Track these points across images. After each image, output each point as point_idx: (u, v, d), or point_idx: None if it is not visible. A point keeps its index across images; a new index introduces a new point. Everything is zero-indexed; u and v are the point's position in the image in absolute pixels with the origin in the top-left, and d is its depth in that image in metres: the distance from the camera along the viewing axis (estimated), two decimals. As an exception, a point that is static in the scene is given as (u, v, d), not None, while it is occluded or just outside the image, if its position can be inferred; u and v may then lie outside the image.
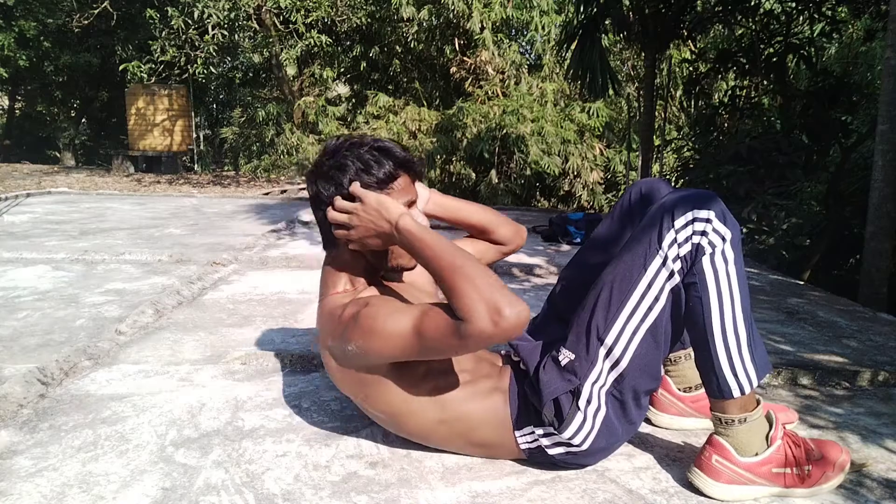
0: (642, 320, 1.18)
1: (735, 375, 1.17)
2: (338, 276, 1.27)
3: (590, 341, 1.19)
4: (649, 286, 1.17)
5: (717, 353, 1.17)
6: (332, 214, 1.19)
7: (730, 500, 1.17)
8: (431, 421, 1.23)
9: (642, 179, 1.45)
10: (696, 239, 1.15)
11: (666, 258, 1.16)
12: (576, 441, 1.18)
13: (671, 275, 1.17)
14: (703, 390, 1.31)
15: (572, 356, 1.19)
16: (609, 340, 1.18)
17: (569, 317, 1.26)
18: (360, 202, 1.17)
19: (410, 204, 1.24)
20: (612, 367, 1.18)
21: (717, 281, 1.16)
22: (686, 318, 1.20)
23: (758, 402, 1.21)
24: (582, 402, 1.17)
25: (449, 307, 1.06)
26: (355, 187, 1.17)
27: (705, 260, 1.15)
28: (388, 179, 1.20)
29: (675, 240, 1.16)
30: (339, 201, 1.18)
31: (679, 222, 1.16)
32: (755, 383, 1.18)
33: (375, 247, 1.21)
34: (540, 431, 1.20)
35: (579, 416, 1.17)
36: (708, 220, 1.15)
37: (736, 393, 1.17)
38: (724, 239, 1.15)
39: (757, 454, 1.18)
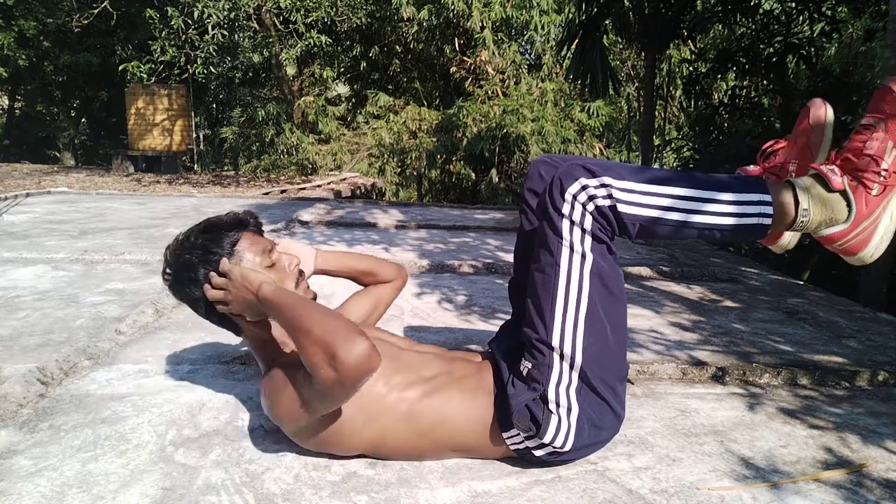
0: (576, 313, 1.17)
1: (749, 216, 1.14)
2: (261, 353, 1.31)
3: (540, 349, 1.18)
4: (568, 279, 1.16)
5: (710, 223, 1.15)
6: (210, 294, 1.23)
7: (880, 246, 1.19)
8: (410, 437, 1.21)
9: (536, 160, 1.43)
10: (590, 207, 1.13)
11: (572, 245, 1.15)
12: (557, 443, 1.17)
13: (583, 257, 1.15)
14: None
15: (530, 365, 1.20)
16: (556, 343, 1.17)
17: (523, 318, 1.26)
18: (228, 278, 1.21)
19: (269, 251, 1.29)
20: (571, 366, 1.17)
21: (643, 205, 1.13)
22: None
23: (790, 186, 1.17)
24: (552, 406, 1.17)
25: None
26: (224, 264, 1.22)
27: (621, 208, 1.12)
28: (232, 246, 1.25)
29: (572, 222, 1.14)
30: (214, 279, 1.23)
31: (565, 208, 1.14)
32: (765, 197, 1.15)
33: (252, 316, 1.25)
34: (524, 435, 1.20)
35: (554, 419, 1.17)
36: (584, 187, 1.13)
37: (767, 221, 1.15)
38: (607, 186, 1.12)
39: (849, 205, 1.16)
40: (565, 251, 1.15)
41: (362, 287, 1.59)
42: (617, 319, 1.22)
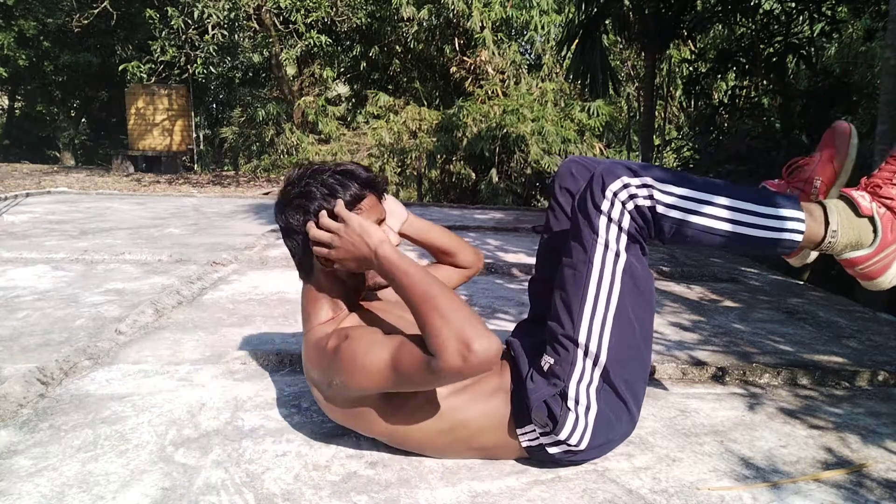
0: (605, 312, 1.17)
1: (782, 230, 1.16)
2: (318, 304, 1.27)
3: (564, 345, 1.18)
4: (601, 276, 1.17)
5: (744, 234, 1.15)
6: (314, 231, 1.18)
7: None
8: (431, 433, 1.22)
9: (569, 159, 1.44)
10: (629, 206, 1.14)
11: (607, 243, 1.16)
12: (573, 441, 1.18)
13: (617, 256, 1.16)
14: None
15: (552, 360, 1.20)
16: (582, 339, 1.17)
17: (544, 316, 1.26)
18: (343, 223, 1.17)
19: (380, 222, 1.26)
20: (595, 364, 1.18)
21: (682, 209, 1.14)
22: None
23: (822, 208, 1.19)
24: (571, 403, 1.17)
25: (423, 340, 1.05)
26: (339, 208, 1.18)
27: (660, 209, 1.13)
28: (354, 201, 1.21)
29: (609, 220, 1.15)
30: (324, 219, 1.18)
31: (604, 205, 1.15)
32: (800, 214, 1.16)
33: (352, 269, 1.21)
34: (540, 430, 1.20)
35: (571, 417, 1.17)
36: (626, 185, 1.14)
37: (798, 238, 1.16)
38: (649, 186, 1.13)
39: (875, 231, 1.19)
40: (599, 248, 1.16)
41: (434, 262, 1.54)
42: (645, 321, 1.22)
